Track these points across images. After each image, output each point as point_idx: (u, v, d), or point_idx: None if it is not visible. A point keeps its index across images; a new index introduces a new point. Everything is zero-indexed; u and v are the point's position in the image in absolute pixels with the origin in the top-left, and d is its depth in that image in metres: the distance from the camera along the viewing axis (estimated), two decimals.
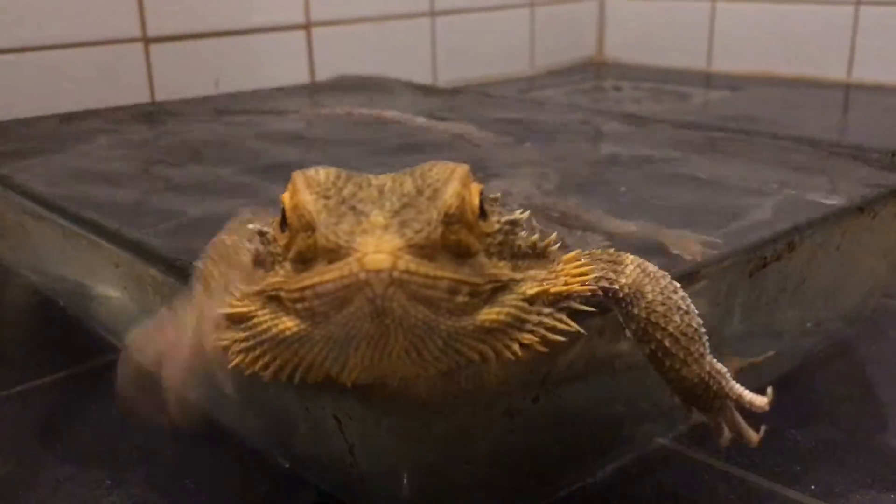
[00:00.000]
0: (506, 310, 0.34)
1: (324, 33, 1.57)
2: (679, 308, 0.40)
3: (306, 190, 0.32)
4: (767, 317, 0.54)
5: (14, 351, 0.68)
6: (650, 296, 0.39)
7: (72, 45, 1.27)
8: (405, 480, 0.40)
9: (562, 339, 0.36)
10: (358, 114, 1.04)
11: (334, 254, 0.30)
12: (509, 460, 0.42)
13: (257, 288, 0.34)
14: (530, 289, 0.36)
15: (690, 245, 0.58)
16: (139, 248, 0.50)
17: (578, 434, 0.46)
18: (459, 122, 0.93)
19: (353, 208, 0.31)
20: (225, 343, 0.35)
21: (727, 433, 0.42)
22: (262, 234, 0.35)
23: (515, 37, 1.93)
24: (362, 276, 0.30)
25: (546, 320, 0.36)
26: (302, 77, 1.54)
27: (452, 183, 0.33)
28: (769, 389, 0.42)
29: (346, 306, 0.31)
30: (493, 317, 0.34)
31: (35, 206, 0.61)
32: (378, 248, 0.30)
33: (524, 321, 0.35)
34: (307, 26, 1.54)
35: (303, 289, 0.31)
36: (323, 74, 1.56)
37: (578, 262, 0.39)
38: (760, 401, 0.42)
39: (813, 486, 0.49)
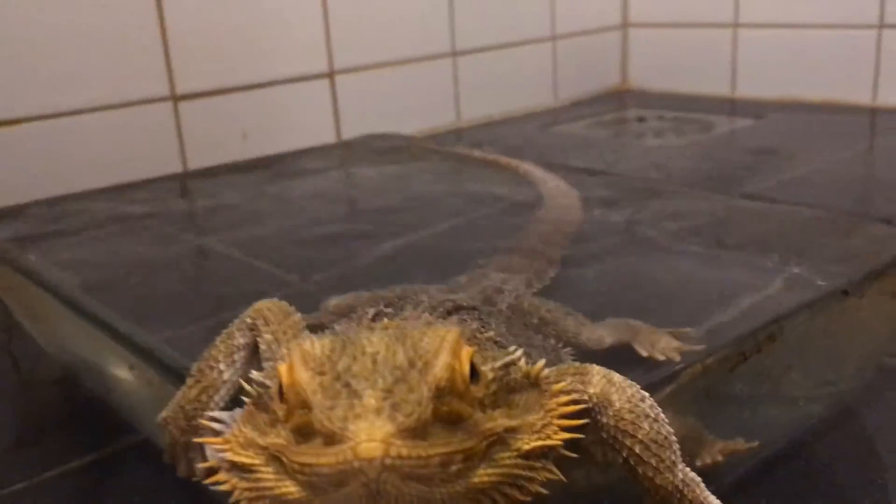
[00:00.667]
0: (500, 470, 0.35)
1: (348, 80, 1.60)
2: (647, 416, 0.41)
3: (302, 367, 0.34)
4: (752, 403, 0.55)
5: (42, 433, 0.71)
6: (617, 404, 0.41)
7: (101, 109, 1.31)
8: None
9: (546, 492, 0.37)
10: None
11: (330, 438, 0.32)
12: None
13: (261, 442, 0.36)
14: (526, 444, 0.37)
15: (660, 343, 0.59)
16: (148, 354, 0.53)
17: None
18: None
19: (347, 385, 0.33)
20: (227, 487, 0.37)
21: None
22: (261, 384, 0.37)
23: (538, 70, 1.95)
24: (356, 464, 0.31)
25: (537, 475, 0.37)
26: (328, 123, 1.58)
27: (442, 355, 0.34)
28: None
29: (343, 486, 0.32)
30: (487, 479, 0.35)
31: (52, 298, 0.65)
32: (370, 435, 0.31)
33: (517, 476, 0.36)
34: (331, 74, 1.58)
35: (302, 465, 0.33)
36: (349, 121, 1.60)
37: (569, 398, 0.40)
38: None
39: None
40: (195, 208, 1.03)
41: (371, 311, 0.47)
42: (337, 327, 0.48)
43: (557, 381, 0.41)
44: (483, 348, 0.39)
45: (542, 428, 0.38)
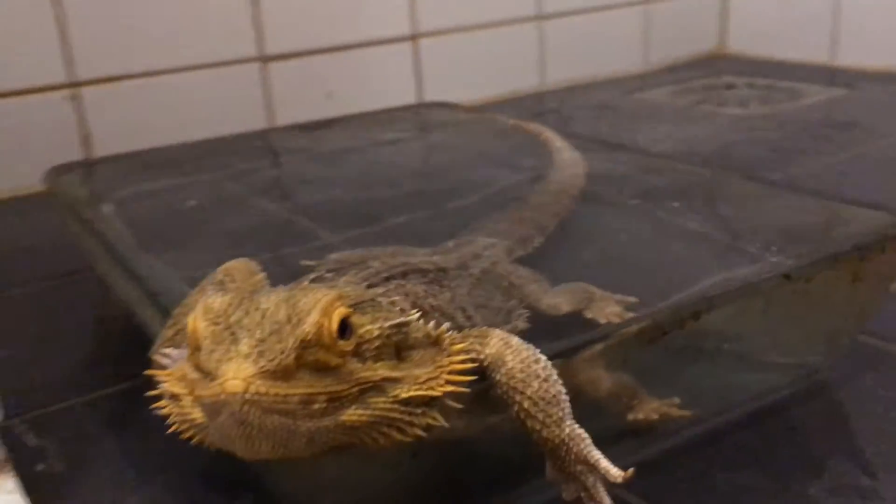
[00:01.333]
0: (369, 411, 0.42)
1: (430, 43, 1.66)
2: (538, 376, 0.47)
3: (202, 318, 0.41)
4: (686, 374, 0.59)
5: (96, 363, 0.83)
6: (510, 363, 0.47)
7: (194, 68, 1.42)
8: None
9: (425, 435, 0.44)
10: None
11: (210, 376, 0.40)
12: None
13: (182, 376, 0.44)
14: (405, 392, 0.43)
15: (608, 308, 0.65)
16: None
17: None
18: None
19: (233, 334, 0.40)
20: (164, 412, 0.46)
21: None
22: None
23: (628, 34, 1.95)
24: (223, 397, 0.39)
25: (417, 420, 0.44)
26: (409, 85, 1.65)
27: (313, 313, 0.40)
28: (631, 469, 0.47)
29: (218, 416, 0.40)
30: (356, 417, 0.41)
31: (103, 250, 0.75)
32: (235, 374, 0.38)
33: (394, 419, 0.43)
34: (414, 38, 1.64)
35: (195, 396, 0.41)
36: (431, 83, 1.66)
37: (463, 357, 0.46)
38: (615, 472, 0.47)
39: None
40: (266, 165, 1.12)
41: (312, 276, 0.54)
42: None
43: (458, 343, 0.47)
44: (379, 310, 0.45)
45: (426, 380, 0.44)
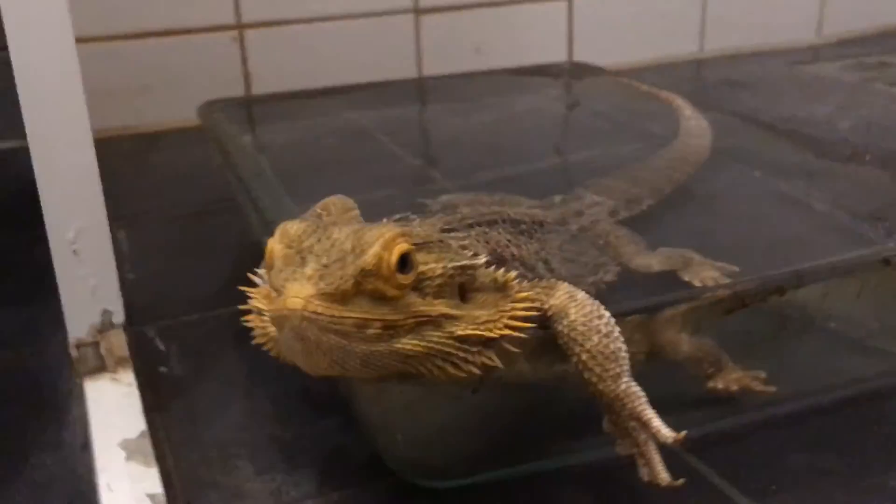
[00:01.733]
0: (423, 342, 0.44)
1: (585, 3, 1.64)
2: (599, 331, 0.48)
3: (278, 241, 0.45)
4: (785, 349, 0.59)
5: (227, 283, 0.89)
6: (573, 316, 0.49)
7: (350, 17, 1.48)
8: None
9: (479, 373, 0.46)
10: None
11: (278, 293, 0.43)
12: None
13: (266, 294, 0.48)
14: (461, 329, 0.45)
15: (704, 273, 0.64)
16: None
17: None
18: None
19: (303, 258, 0.43)
20: (251, 324, 0.50)
21: (641, 465, 0.49)
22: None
23: (800, 3, 1.85)
24: (284, 312, 0.42)
25: (472, 358, 0.46)
26: (560, 45, 1.64)
27: (375, 246, 0.43)
28: (683, 432, 0.48)
29: (282, 329, 0.44)
30: (409, 346, 0.44)
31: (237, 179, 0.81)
32: (297, 293, 0.42)
33: (449, 354, 0.45)
34: None
35: (267, 310, 0.45)
36: (583, 44, 1.65)
37: (526, 304, 0.48)
38: (667, 432, 0.48)
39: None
40: (405, 111, 1.17)
41: (398, 216, 0.57)
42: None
43: (524, 291, 0.49)
44: (446, 251, 0.47)
45: (485, 322, 0.46)
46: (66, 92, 0.55)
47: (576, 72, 1.26)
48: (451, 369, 0.46)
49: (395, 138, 1.06)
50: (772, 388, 0.59)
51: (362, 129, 1.08)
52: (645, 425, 0.49)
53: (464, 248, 0.49)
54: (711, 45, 1.77)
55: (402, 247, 0.44)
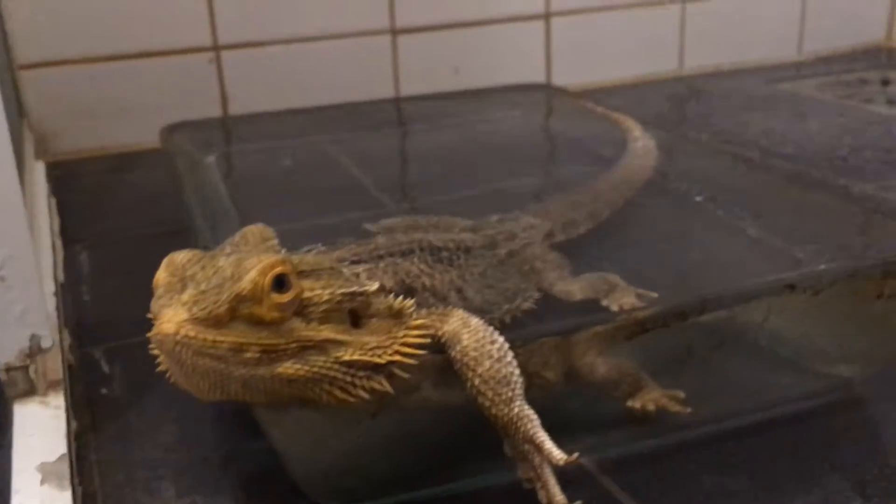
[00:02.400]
0: (306, 367, 0.46)
1: (564, 23, 1.66)
2: (491, 356, 0.49)
3: (163, 269, 0.47)
4: (707, 370, 0.59)
5: None
6: (465, 341, 0.50)
7: (327, 38, 1.50)
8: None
9: (367, 397, 0.47)
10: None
11: (155, 319, 0.45)
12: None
13: None
14: (348, 355, 0.47)
15: (624, 299, 0.65)
16: None
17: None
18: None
19: (183, 286, 0.45)
20: (156, 352, 0.52)
21: (539, 489, 0.50)
22: None
23: (781, 21, 1.85)
24: (158, 337, 0.44)
25: (360, 382, 0.47)
26: (539, 64, 1.65)
27: (252, 272, 0.45)
28: (575, 454, 0.49)
29: (162, 354, 0.46)
30: (292, 371, 0.45)
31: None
32: (169, 319, 0.44)
33: (335, 379, 0.46)
34: (546, 16, 1.64)
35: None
36: (561, 63, 1.66)
37: (420, 332, 0.49)
38: (558, 455, 0.49)
39: None
40: (366, 134, 1.18)
41: (307, 248, 0.58)
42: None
43: (418, 318, 0.50)
44: (337, 278, 0.48)
45: (374, 347, 0.48)
46: None
47: (537, 93, 1.27)
48: (339, 394, 0.47)
49: (355, 160, 1.07)
50: (687, 409, 0.60)
51: (324, 152, 1.10)
52: (538, 448, 0.50)
53: (356, 275, 0.50)
54: (691, 63, 1.78)
55: (277, 269, 0.45)
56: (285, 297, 0.45)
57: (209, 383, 0.45)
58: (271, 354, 0.45)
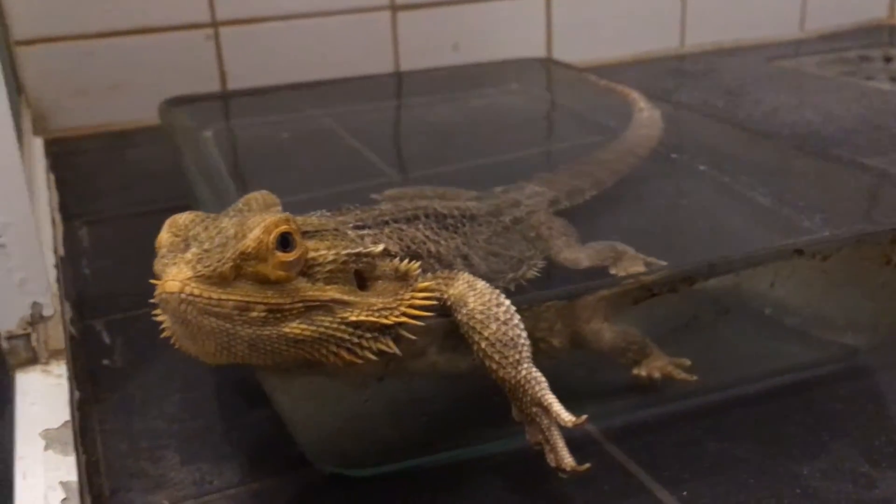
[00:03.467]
0: (313, 327, 0.45)
1: (564, 0, 1.64)
2: (498, 318, 0.49)
3: (166, 230, 0.46)
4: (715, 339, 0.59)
5: None
6: (471, 304, 0.49)
7: (327, 14, 1.48)
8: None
9: (374, 358, 0.47)
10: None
11: (159, 278, 0.44)
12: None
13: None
14: (354, 315, 0.46)
15: (632, 267, 0.64)
16: None
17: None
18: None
19: (187, 245, 0.45)
20: (160, 318, 0.51)
21: (547, 451, 0.50)
22: None
23: None
24: (163, 296, 0.43)
25: (367, 343, 0.47)
26: (539, 41, 1.64)
27: (256, 230, 0.44)
28: (584, 416, 0.49)
29: (167, 314, 0.45)
30: (298, 331, 0.45)
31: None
32: (174, 277, 0.43)
33: (342, 339, 0.46)
34: None
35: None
36: (561, 40, 1.65)
37: (426, 294, 0.49)
38: (566, 416, 0.49)
39: (685, 493, 0.55)
40: (365, 107, 1.17)
41: (318, 212, 0.58)
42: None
43: (425, 281, 0.49)
44: (342, 239, 0.48)
45: (381, 309, 0.47)
46: None
47: (541, 68, 1.26)
48: (345, 354, 0.47)
49: (354, 133, 1.06)
50: (693, 377, 0.60)
51: (323, 125, 1.09)
52: (546, 410, 0.49)
53: (362, 237, 0.50)
54: (692, 41, 1.77)
55: (282, 228, 0.45)
56: (290, 256, 0.45)
57: (215, 343, 0.45)
58: (277, 314, 0.44)
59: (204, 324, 0.44)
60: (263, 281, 0.44)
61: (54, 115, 1.37)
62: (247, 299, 0.44)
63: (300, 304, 0.45)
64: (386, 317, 0.47)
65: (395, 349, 0.48)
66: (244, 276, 0.44)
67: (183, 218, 0.46)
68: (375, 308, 0.47)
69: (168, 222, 0.46)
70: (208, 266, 0.43)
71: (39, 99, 1.36)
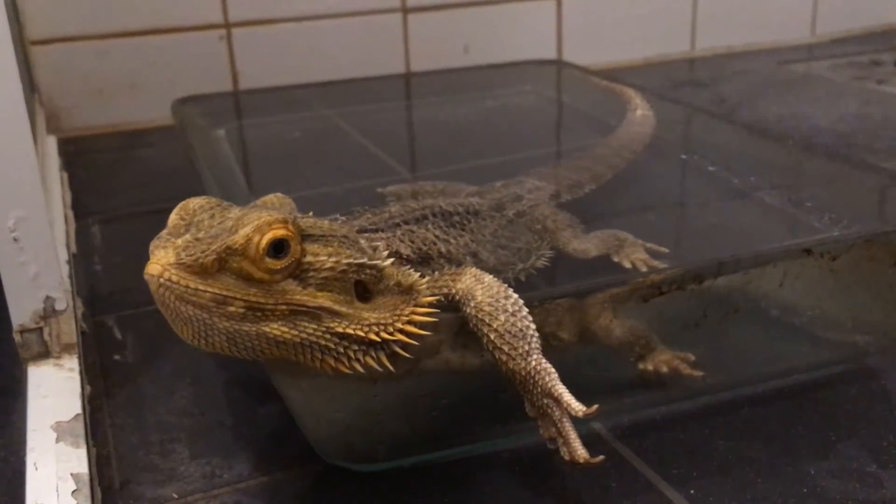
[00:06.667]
0: (294, 332, 0.45)
1: (574, 3, 1.64)
2: (506, 310, 0.49)
3: (176, 212, 0.47)
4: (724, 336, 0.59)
5: None
6: (479, 297, 0.49)
7: (340, 16, 1.49)
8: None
9: (362, 371, 0.47)
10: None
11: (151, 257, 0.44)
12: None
13: None
14: (341, 327, 0.46)
15: (634, 255, 0.65)
16: None
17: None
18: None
19: (187, 230, 0.45)
20: None
21: (561, 445, 0.50)
22: None
23: (794, 1, 1.84)
24: (146, 276, 0.44)
25: (353, 355, 0.46)
26: (550, 43, 1.64)
27: (247, 227, 0.44)
28: (595, 406, 0.49)
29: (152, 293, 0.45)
30: (278, 332, 0.44)
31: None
32: (158, 260, 0.43)
33: (327, 349, 0.46)
34: None
35: None
36: (571, 43, 1.65)
37: (427, 310, 0.49)
38: (578, 406, 0.49)
39: (692, 491, 0.55)
40: (375, 108, 1.18)
41: (333, 216, 0.58)
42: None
43: (427, 296, 0.49)
44: (348, 247, 0.47)
45: (373, 324, 0.47)
46: (4, 85, 0.57)
47: (547, 69, 1.27)
48: (332, 363, 0.46)
49: (364, 132, 1.07)
50: (699, 373, 0.60)
51: (335, 125, 1.10)
52: (557, 401, 0.49)
53: (375, 248, 0.50)
54: (703, 44, 1.77)
55: (276, 232, 0.44)
56: (279, 264, 0.44)
57: (192, 331, 0.45)
58: (257, 312, 0.44)
59: (181, 310, 0.44)
60: (247, 278, 0.44)
61: (68, 114, 1.38)
62: (225, 293, 0.44)
63: (284, 307, 0.45)
64: (376, 333, 0.47)
65: (387, 364, 0.47)
66: (228, 269, 0.44)
67: (194, 203, 0.47)
68: (367, 322, 0.47)
69: (180, 205, 0.47)
70: (191, 255, 0.43)
71: (53, 98, 1.37)
